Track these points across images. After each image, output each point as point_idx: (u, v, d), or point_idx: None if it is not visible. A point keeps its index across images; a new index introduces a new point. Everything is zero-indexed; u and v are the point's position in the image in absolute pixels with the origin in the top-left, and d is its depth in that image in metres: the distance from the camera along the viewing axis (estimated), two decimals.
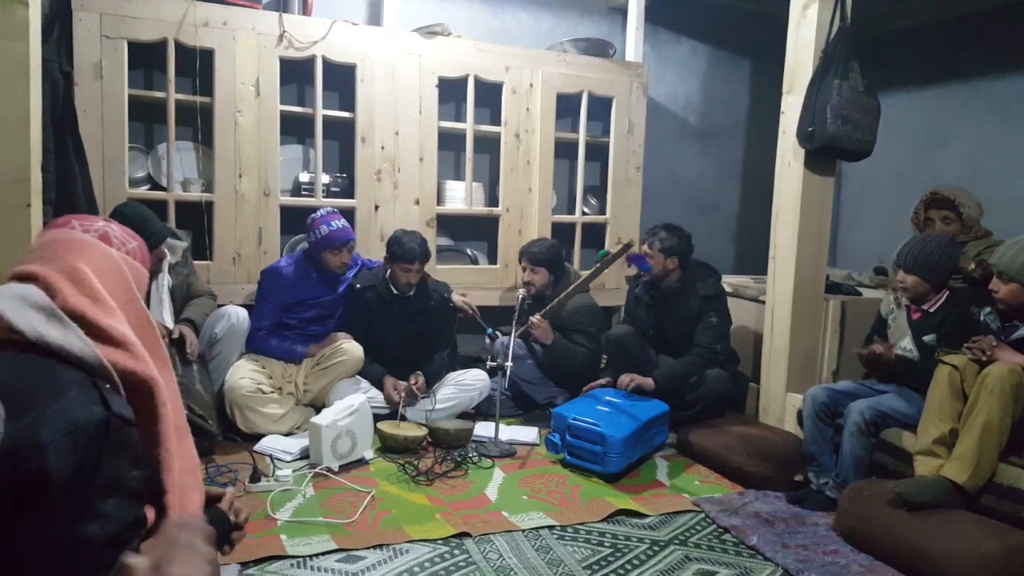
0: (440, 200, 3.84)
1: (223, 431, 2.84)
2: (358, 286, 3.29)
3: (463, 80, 3.74)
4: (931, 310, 2.59)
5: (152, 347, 1.06)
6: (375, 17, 3.80)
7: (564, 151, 4.11)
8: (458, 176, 3.98)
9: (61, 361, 0.90)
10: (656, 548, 2.24)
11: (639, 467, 2.91)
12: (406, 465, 2.76)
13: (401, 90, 3.61)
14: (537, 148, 3.94)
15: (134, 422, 0.92)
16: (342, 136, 3.74)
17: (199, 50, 3.24)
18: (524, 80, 3.86)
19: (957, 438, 2.25)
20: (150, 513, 1.02)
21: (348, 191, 3.66)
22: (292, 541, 2.13)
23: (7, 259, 2.36)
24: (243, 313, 3.11)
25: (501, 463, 2.87)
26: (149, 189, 3.39)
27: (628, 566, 2.12)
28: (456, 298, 3.48)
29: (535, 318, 3.39)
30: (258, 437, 2.94)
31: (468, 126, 3.78)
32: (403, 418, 3.09)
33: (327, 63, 3.47)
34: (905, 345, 2.63)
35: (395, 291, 3.28)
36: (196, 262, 3.22)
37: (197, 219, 3.33)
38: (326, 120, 3.54)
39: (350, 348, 3.16)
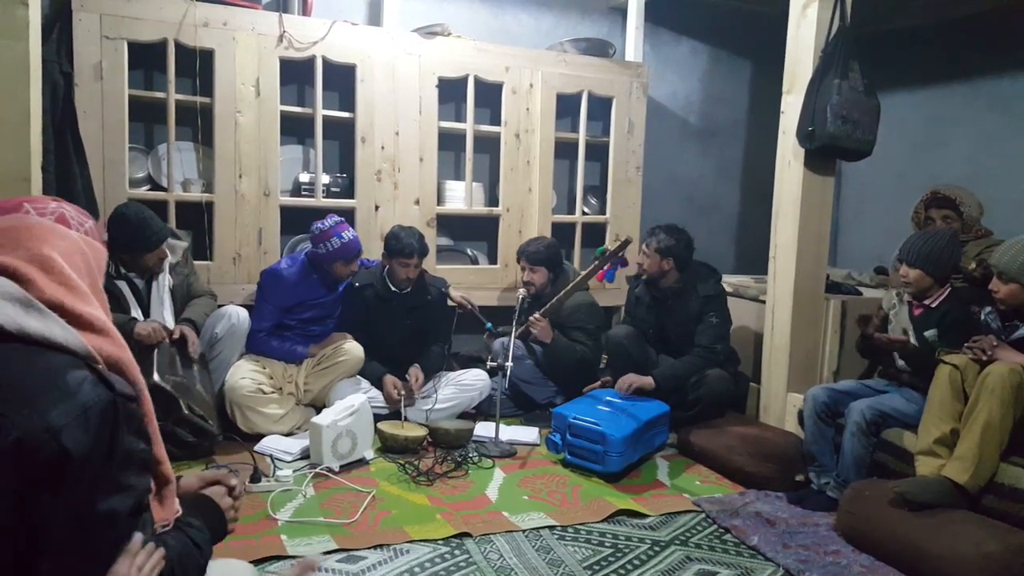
0: (440, 200, 3.84)
1: (223, 431, 2.84)
2: (356, 284, 3.29)
3: (463, 80, 3.74)
4: (933, 305, 2.59)
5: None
6: (375, 17, 3.80)
7: (564, 151, 4.11)
8: (458, 176, 3.98)
9: (48, 349, 0.90)
10: (657, 548, 2.24)
11: (640, 467, 2.90)
12: (406, 465, 2.76)
13: (401, 90, 3.61)
14: (537, 148, 3.94)
15: (135, 397, 0.93)
16: (342, 136, 3.74)
17: (199, 50, 3.24)
18: (524, 80, 3.86)
19: (958, 438, 2.25)
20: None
21: (348, 191, 3.66)
22: (292, 541, 2.12)
23: None
24: (243, 313, 3.11)
25: (501, 463, 2.87)
26: (149, 189, 3.39)
27: (629, 566, 2.12)
28: (454, 294, 3.48)
29: (535, 316, 3.39)
30: (258, 437, 2.94)
31: (468, 126, 3.78)
32: (407, 419, 3.10)
33: (327, 63, 3.47)
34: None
35: (393, 288, 3.28)
36: (196, 262, 3.22)
37: (197, 219, 3.33)
38: (326, 120, 3.54)
39: (350, 348, 3.16)
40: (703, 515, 2.50)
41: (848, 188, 4.80)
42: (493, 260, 4.03)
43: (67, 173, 2.89)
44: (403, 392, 3.14)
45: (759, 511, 2.50)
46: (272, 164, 3.43)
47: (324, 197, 3.55)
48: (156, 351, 2.66)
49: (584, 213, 4.18)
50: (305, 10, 3.51)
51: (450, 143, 3.91)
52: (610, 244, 3.97)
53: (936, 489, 2.17)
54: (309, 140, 3.64)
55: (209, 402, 2.79)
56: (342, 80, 3.58)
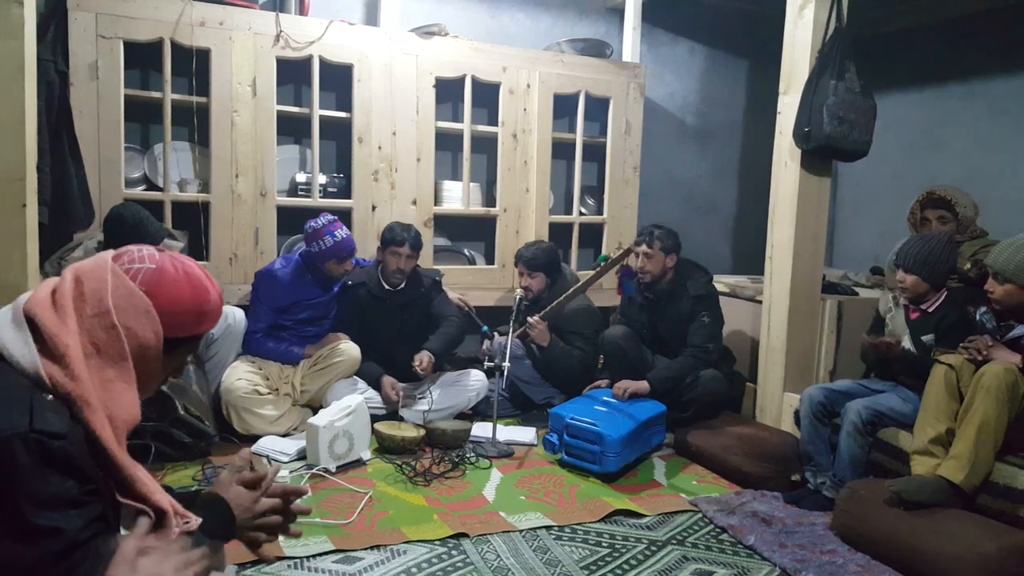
0: (437, 200, 3.84)
1: (219, 432, 2.84)
2: (350, 283, 3.29)
3: (460, 80, 3.74)
4: (929, 310, 2.59)
5: (114, 362, 1.00)
6: (372, 17, 3.80)
7: (561, 151, 4.11)
8: (455, 176, 3.98)
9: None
10: (654, 548, 2.24)
11: (636, 467, 2.91)
12: (403, 466, 2.75)
13: (398, 90, 3.61)
14: (534, 148, 3.94)
15: (64, 435, 0.89)
16: (339, 136, 3.73)
17: (195, 50, 3.23)
18: (521, 80, 3.86)
19: (953, 438, 2.26)
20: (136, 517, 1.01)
21: (345, 191, 3.65)
22: (289, 542, 2.11)
23: (3, 260, 2.36)
24: (240, 313, 3.11)
25: (499, 463, 2.87)
26: (145, 189, 3.38)
27: (626, 566, 2.12)
28: (450, 295, 3.48)
29: (533, 319, 3.39)
30: (255, 438, 2.93)
31: (465, 126, 3.78)
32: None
33: (324, 63, 3.46)
34: (903, 344, 2.64)
35: (386, 286, 3.28)
36: None
37: (193, 219, 3.32)
38: (323, 120, 3.53)
39: (347, 349, 3.16)
40: (700, 515, 2.51)
41: (844, 189, 4.81)
42: (490, 260, 4.03)
43: (63, 173, 2.88)
44: (401, 393, 3.13)
45: (756, 511, 2.51)
46: (268, 164, 3.42)
47: (321, 197, 3.55)
48: None
49: (581, 213, 4.18)
50: (302, 10, 3.50)
51: (447, 143, 3.90)
52: (608, 248, 3.99)
53: (932, 488, 2.17)
54: (306, 140, 3.64)
55: (205, 403, 2.79)
56: (339, 80, 3.58)
